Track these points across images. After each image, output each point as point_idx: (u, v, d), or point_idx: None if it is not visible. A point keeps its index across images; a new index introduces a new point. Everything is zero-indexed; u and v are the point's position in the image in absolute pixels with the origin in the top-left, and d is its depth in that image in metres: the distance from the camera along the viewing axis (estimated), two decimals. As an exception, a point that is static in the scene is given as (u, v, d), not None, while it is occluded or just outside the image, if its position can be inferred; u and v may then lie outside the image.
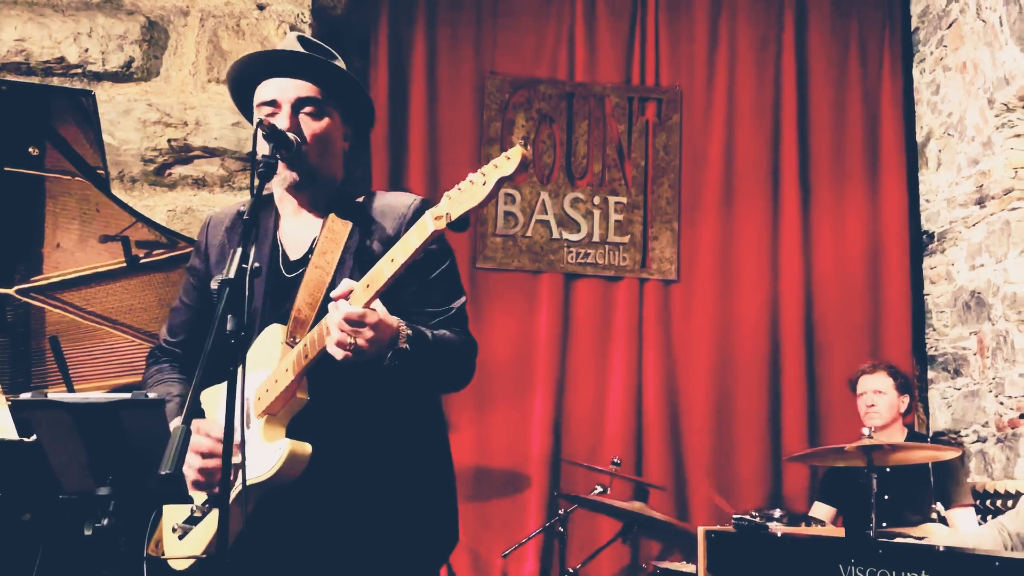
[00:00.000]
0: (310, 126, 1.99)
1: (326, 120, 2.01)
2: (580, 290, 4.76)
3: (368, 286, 1.77)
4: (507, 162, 1.66)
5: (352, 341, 1.74)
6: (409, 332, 1.81)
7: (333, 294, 1.80)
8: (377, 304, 1.78)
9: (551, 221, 4.79)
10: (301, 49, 2.03)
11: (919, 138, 4.92)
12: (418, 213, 1.94)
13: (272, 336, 1.96)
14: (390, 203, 2.04)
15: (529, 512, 4.49)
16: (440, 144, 4.75)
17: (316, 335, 1.82)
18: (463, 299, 2.05)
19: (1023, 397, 4.05)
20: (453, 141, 4.76)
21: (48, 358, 3.19)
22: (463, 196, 1.69)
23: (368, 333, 1.74)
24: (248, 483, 1.80)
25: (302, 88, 1.99)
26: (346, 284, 1.80)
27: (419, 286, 1.98)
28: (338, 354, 1.76)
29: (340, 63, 2.08)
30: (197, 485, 1.90)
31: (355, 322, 1.73)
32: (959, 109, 4.53)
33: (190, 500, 1.93)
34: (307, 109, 1.99)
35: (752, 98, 4.91)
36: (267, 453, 1.85)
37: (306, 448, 1.85)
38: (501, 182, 1.66)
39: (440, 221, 1.71)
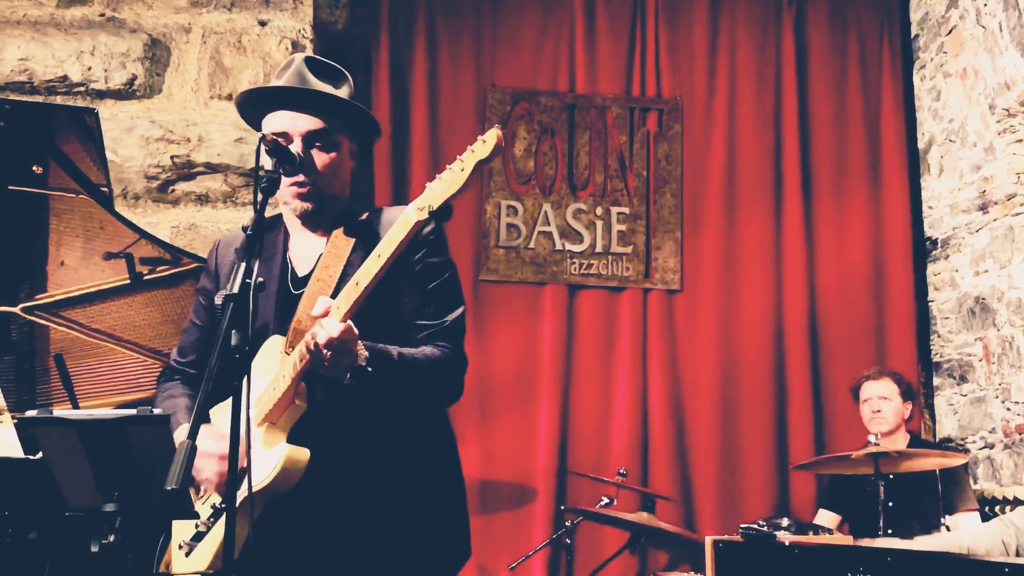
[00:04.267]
0: (322, 158, 2.03)
1: (335, 151, 2.05)
2: (583, 301, 4.76)
3: (357, 283, 1.80)
4: (483, 145, 1.69)
5: (327, 353, 1.77)
6: (367, 353, 1.83)
7: (312, 312, 1.82)
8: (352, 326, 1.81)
9: (554, 232, 4.80)
10: (309, 75, 2.05)
11: (921, 144, 4.92)
12: (419, 225, 1.94)
13: (273, 346, 1.99)
14: (391, 216, 2.06)
15: (535, 524, 4.47)
16: (442, 157, 4.76)
17: (305, 345, 1.84)
18: (460, 310, 2.05)
19: (1030, 402, 4.04)
20: (455, 154, 4.70)
21: (53, 376, 3.19)
22: (443, 185, 1.72)
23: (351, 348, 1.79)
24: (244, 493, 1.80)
25: (312, 122, 2.02)
26: (323, 303, 1.82)
27: (415, 297, 2.00)
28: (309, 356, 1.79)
29: (348, 85, 2.11)
30: (218, 488, 1.92)
31: (346, 338, 1.76)
32: (960, 115, 4.54)
33: (196, 516, 1.94)
34: (318, 142, 2.02)
35: (753, 107, 4.93)
36: (266, 460, 1.86)
37: (304, 453, 1.86)
38: (479, 166, 1.69)
39: (422, 212, 1.74)
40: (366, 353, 1.83)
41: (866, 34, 5.03)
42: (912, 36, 5.02)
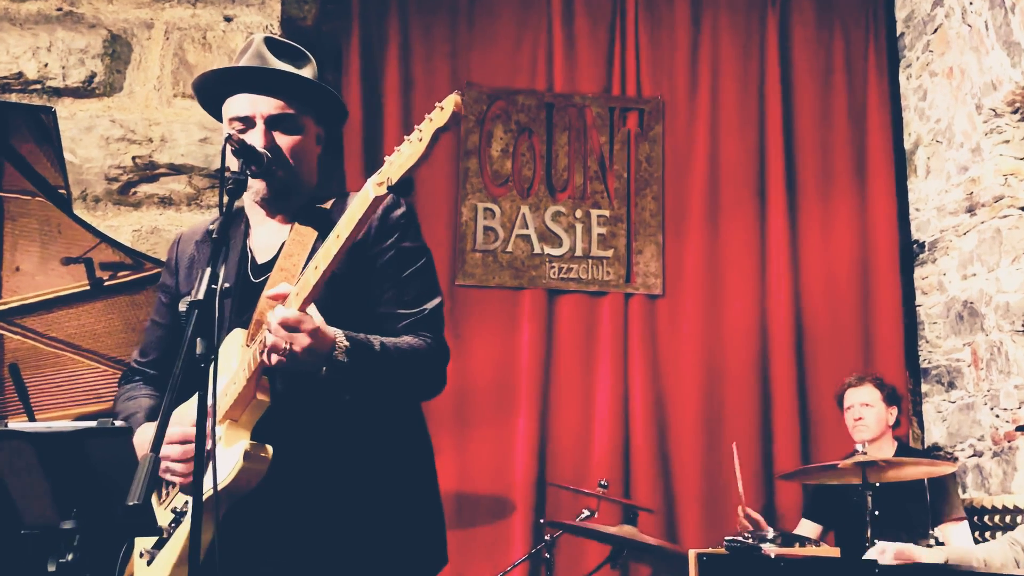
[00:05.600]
0: (285, 142, 2.01)
1: (300, 135, 2.03)
2: (563, 306, 4.77)
3: (316, 267, 1.77)
4: (441, 113, 1.66)
5: (287, 347, 1.73)
6: (347, 344, 1.80)
7: (267, 294, 1.80)
8: (315, 313, 1.78)
9: (532, 236, 4.80)
10: (269, 55, 2.04)
11: (907, 145, 4.97)
12: (378, 201, 1.92)
13: (234, 340, 1.97)
14: None
15: (514, 538, 4.47)
16: (416, 158, 4.74)
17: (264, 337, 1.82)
18: (438, 300, 2.04)
19: (1019, 409, 4.08)
20: (431, 155, 4.75)
21: (8, 387, 3.15)
22: (401, 157, 1.70)
23: (304, 340, 1.74)
24: (208, 494, 1.78)
25: (274, 104, 2.00)
26: (283, 287, 1.80)
27: (391, 285, 1.99)
28: (271, 359, 1.76)
29: (311, 67, 2.10)
30: (181, 476, 1.88)
31: (292, 326, 1.73)
32: (947, 115, 4.59)
33: (160, 532, 1.92)
34: (281, 125, 2.01)
35: (736, 107, 4.96)
36: (227, 458, 1.84)
37: (266, 450, 1.84)
38: (437, 135, 1.67)
39: (381, 187, 1.71)
40: (346, 343, 1.81)
41: (851, 32, 5.07)
42: (898, 34, 5.08)
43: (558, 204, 4.85)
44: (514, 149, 4.87)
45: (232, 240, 2.06)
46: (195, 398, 1.64)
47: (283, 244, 2.03)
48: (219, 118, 2.11)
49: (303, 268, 1.92)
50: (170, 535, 1.93)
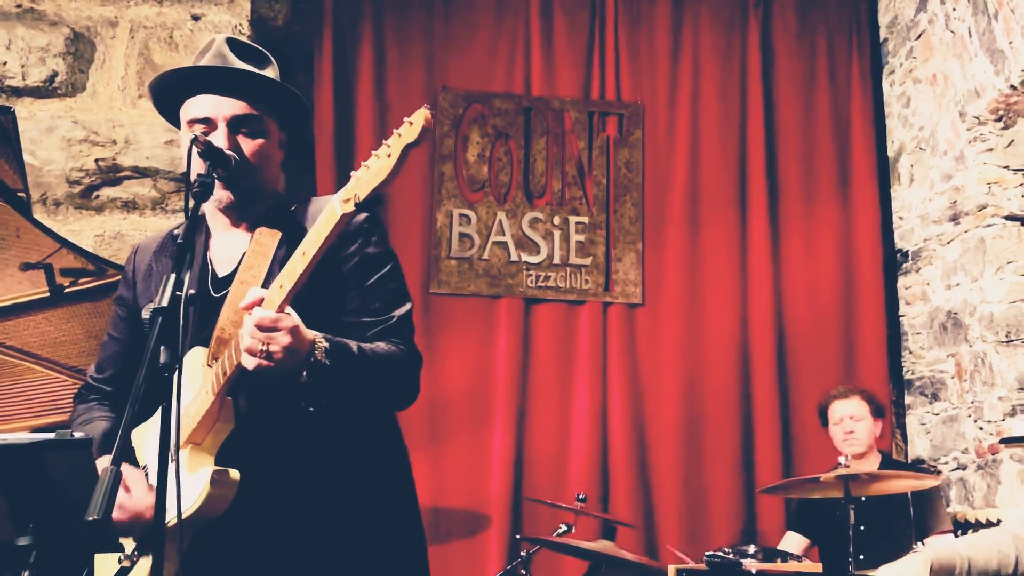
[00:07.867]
0: (249, 145, 1.99)
1: (264, 138, 2.02)
2: (540, 315, 4.77)
3: (281, 286, 1.75)
4: (410, 128, 1.65)
5: (264, 348, 1.72)
6: (327, 345, 1.79)
7: (241, 304, 1.78)
8: (293, 314, 1.77)
9: (509, 243, 4.81)
10: (232, 56, 2.02)
11: (890, 152, 5.03)
12: (345, 219, 1.90)
13: (194, 359, 1.94)
14: (320, 206, 1.99)
15: (489, 554, 4.46)
16: (390, 162, 4.74)
17: (233, 349, 1.80)
18: (407, 307, 2.03)
19: (1003, 421, 4.13)
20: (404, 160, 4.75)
21: (-38, 398, 3.11)
22: (369, 173, 1.69)
23: (283, 339, 1.72)
24: (172, 521, 1.76)
25: (237, 106, 1.99)
26: (254, 293, 1.78)
27: (357, 292, 1.97)
28: (250, 363, 1.74)
29: (273, 69, 2.09)
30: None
31: (267, 328, 1.71)
32: (930, 122, 4.64)
33: (120, 548, 1.89)
34: (244, 128, 1.99)
35: (717, 113, 4.99)
36: (191, 484, 1.81)
37: (232, 474, 1.82)
38: (407, 151, 1.65)
39: (348, 204, 1.70)
40: (325, 344, 1.79)
41: (834, 37, 5.13)
42: (881, 40, 5.14)
43: (535, 210, 4.86)
44: (491, 154, 4.87)
45: (192, 253, 2.04)
46: (154, 418, 1.62)
47: (243, 255, 2.01)
48: (175, 122, 2.08)
49: (264, 279, 1.91)
50: (134, 564, 1.90)
